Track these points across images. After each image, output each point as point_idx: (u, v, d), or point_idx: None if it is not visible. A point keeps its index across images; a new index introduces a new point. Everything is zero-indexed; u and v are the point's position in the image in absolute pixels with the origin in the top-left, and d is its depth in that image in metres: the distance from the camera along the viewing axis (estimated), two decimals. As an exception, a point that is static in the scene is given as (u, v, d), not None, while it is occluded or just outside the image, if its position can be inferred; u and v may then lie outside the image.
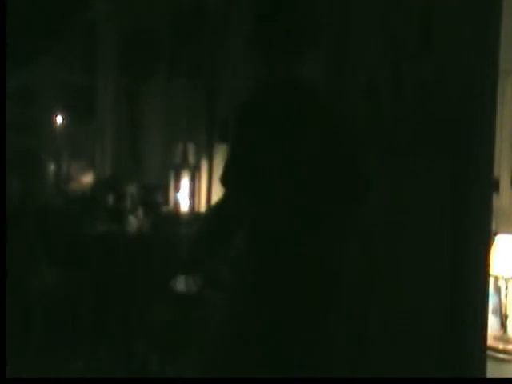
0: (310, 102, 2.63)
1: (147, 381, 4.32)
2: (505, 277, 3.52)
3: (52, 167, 9.24)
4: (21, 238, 5.26)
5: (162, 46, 7.49)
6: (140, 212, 6.61)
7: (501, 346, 3.43)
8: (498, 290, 3.59)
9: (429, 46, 3.15)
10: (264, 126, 2.59)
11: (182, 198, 6.96)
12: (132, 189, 7.09)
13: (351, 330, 2.74)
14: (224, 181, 2.65)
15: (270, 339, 2.53)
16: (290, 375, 2.50)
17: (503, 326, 3.55)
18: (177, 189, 7.10)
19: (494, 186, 3.46)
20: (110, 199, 6.90)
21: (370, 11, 3.42)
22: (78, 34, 8.65)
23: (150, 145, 8.16)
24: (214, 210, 2.76)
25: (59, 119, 9.10)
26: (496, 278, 3.53)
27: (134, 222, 6.41)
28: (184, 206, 6.90)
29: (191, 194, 6.83)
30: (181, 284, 2.83)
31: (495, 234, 3.46)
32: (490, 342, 3.22)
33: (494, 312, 3.57)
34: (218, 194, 6.14)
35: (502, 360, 3.36)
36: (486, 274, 3.02)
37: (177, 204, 7.03)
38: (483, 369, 2.99)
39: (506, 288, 3.54)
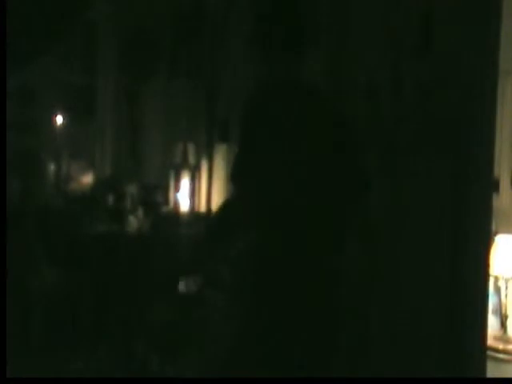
0: (310, 101, 2.64)
1: (147, 381, 4.32)
2: (505, 277, 3.51)
3: (52, 167, 9.24)
4: (21, 237, 5.26)
5: (161, 45, 7.49)
6: (140, 212, 6.62)
7: (501, 346, 3.42)
8: (498, 290, 3.59)
9: (429, 46, 3.15)
10: (266, 126, 2.59)
11: (182, 198, 6.96)
12: (132, 189, 7.09)
13: (351, 329, 2.74)
14: (235, 178, 2.66)
15: (270, 339, 2.54)
16: (290, 375, 2.50)
17: (503, 326, 3.55)
18: (177, 189, 7.10)
19: (494, 186, 3.45)
20: (110, 199, 6.90)
21: (370, 11, 3.42)
22: (78, 34, 8.65)
23: (149, 145, 8.16)
24: (224, 210, 2.76)
25: (59, 119, 9.10)
26: (496, 278, 3.52)
27: (133, 221, 6.41)
28: (184, 206, 6.90)
29: (191, 193, 6.83)
30: (181, 284, 2.84)
31: (495, 234, 3.45)
32: (490, 342, 3.22)
33: (494, 312, 3.56)
34: (218, 194, 6.16)
35: (502, 360, 3.36)
36: (486, 274, 3.01)
37: (177, 204, 7.03)
38: (483, 369, 2.98)
39: (506, 288, 3.54)
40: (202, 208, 6.54)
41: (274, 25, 2.61)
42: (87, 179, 8.72)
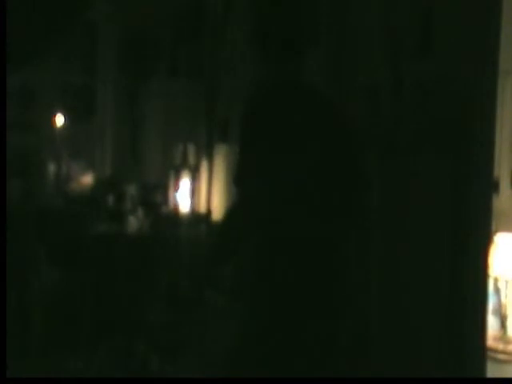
0: (310, 102, 2.63)
1: (147, 381, 4.32)
2: (505, 277, 3.52)
3: (52, 167, 9.23)
4: (21, 237, 5.26)
5: (162, 45, 7.49)
6: (140, 212, 6.62)
7: (501, 347, 3.43)
8: (497, 290, 3.59)
9: (429, 46, 3.15)
10: (266, 126, 2.59)
11: (182, 198, 6.97)
12: (132, 189, 7.09)
13: (351, 329, 2.74)
14: (237, 181, 2.67)
15: (270, 339, 2.53)
16: (290, 375, 2.50)
17: (503, 326, 3.55)
18: (177, 189, 7.10)
19: (494, 186, 3.46)
20: (110, 199, 6.90)
21: (370, 11, 3.41)
22: (78, 34, 8.64)
23: (149, 145, 8.16)
24: (229, 219, 2.77)
25: (59, 119, 9.09)
26: (496, 279, 3.53)
27: (133, 222, 6.41)
28: (184, 206, 6.90)
29: (191, 193, 6.83)
30: (181, 284, 2.84)
31: (495, 234, 3.46)
32: (489, 342, 3.22)
33: (494, 312, 3.57)
34: (218, 194, 6.17)
35: (502, 360, 3.36)
36: (486, 274, 3.01)
37: (177, 204, 7.03)
38: (483, 369, 2.98)
39: (506, 288, 3.54)
40: (202, 208, 6.54)
41: (274, 25, 2.61)
42: (87, 179, 8.71)
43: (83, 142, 9.15)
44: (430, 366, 3.03)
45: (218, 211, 5.94)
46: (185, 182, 6.97)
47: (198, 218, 6.32)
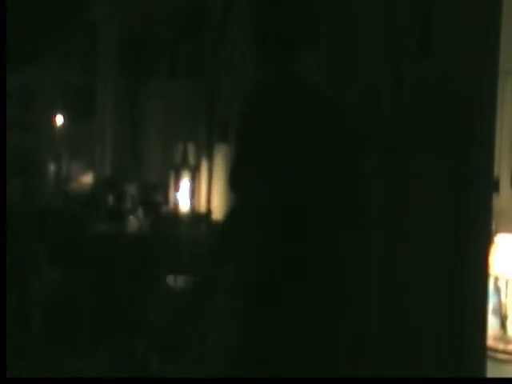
0: (310, 101, 2.63)
1: (147, 381, 4.32)
2: (505, 277, 3.52)
3: (52, 167, 9.23)
4: (21, 237, 5.26)
5: (162, 45, 7.49)
6: (140, 212, 6.62)
7: (501, 347, 3.43)
8: (497, 290, 3.59)
9: (429, 46, 3.15)
10: (265, 127, 2.59)
11: (182, 198, 6.97)
12: (132, 189, 7.10)
13: (351, 329, 2.74)
14: (233, 183, 2.66)
15: (270, 340, 2.53)
16: (290, 375, 2.50)
17: (503, 326, 3.55)
18: (177, 189, 7.10)
19: (494, 186, 3.46)
20: (110, 199, 6.90)
21: (370, 11, 3.41)
22: (78, 34, 8.64)
23: (150, 145, 8.17)
24: (231, 216, 2.77)
25: (59, 119, 9.09)
26: (496, 278, 3.53)
27: (133, 222, 6.42)
28: (184, 206, 6.90)
29: (191, 193, 6.84)
30: (181, 284, 2.84)
31: (495, 234, 3.46)
32: (490, 342, 3.22)
33: (494, 312, 3.57)
34: (218, 194, 6.17)
35: (502, 360, 3.36)
36: (486, 274, 3.01)
37: (177, 204, 7.04)
38: (483, 369, 2.98)
39: (506, 288, 3.54)
40: (202, 208, 6.55)
41: (273, 25, 2.61)
42: (87, 179, 8.72)
43: (83, 142, 9.16)
44: (429, 366, 3.03)
45: (218, 211, 5.94)
46: (185, 182, 6.98)
47: (198, 218, 6.33)
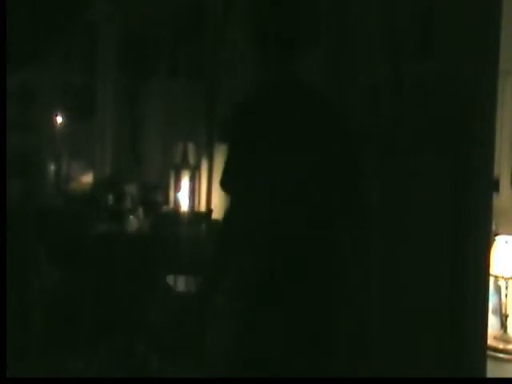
0: (310, 101, 2.63)
1: (147, 381, 4.32)
2: (505, 277, 3.52)
3: (52, 167, 9.23)
4: (21, 238, 5.26)
5: (162, 45, 7.49)
6: (140, 212, 6.62)
7: (501, 346, 3.43)
8: (498, 289, 3.59)
9: (429, 46, 3.15)
10: (262, 126, 2.59)
11: (182, 198, 6.97)
12: (132, 189, 7.09)
13: (351, 329, 2.74)
14: (224, 184, 2.66)
15: (270, 340, 2.53)
16: (290, 375, 2.50)
17: (503, 325, 3.55)
18: (177, 189, 7.10)
19: (494, 186, 3.46)
20: (110, 199, 6.90)
21: (370, 11, 3.41)
22: (78, 34, 8.64)
23: (150, 145, 8.17)
24: (231, 216, 2.77)
25: (59, 119, 9.09)
26: (496, 278, 3.53)
27: (133, 221, 6.42)
28: (184, 206, 6.90)
29: (191, 194, 6.84)
30: (181, 284, 2.84)
31: (495, 234, 3.46)
32: (490, 342, 3.22)
33: (494, 312, 3.57)
34: (218, 194, 6.16)
35: (502, 360, 3.36)
36: (486, 274, 3.01)
37: (177, 204, 7.03)
38: (483, 369, 2.98)
39: (506, 288, 3.54)
40: (202, 208, 6.55)
41: (273, 24, 2.61)
42: (87, 179, 8.72)
43: (83, 142, 9.15)
44: (429, 366, 3.03)
45: (217, 211, 5.94)
46: (185, 182, 6.98)
47: (198, 218, 6.33)
